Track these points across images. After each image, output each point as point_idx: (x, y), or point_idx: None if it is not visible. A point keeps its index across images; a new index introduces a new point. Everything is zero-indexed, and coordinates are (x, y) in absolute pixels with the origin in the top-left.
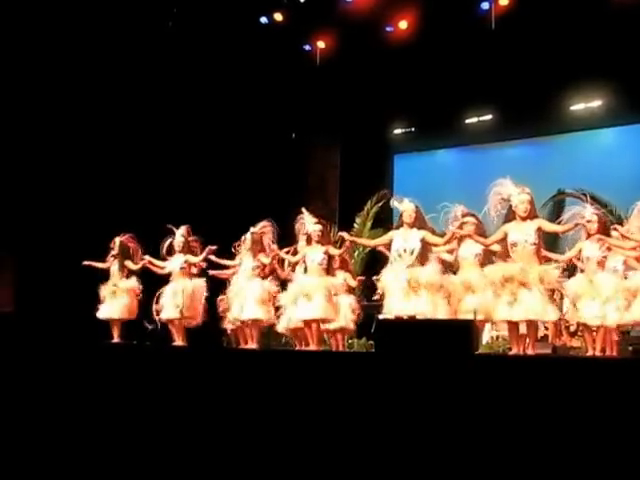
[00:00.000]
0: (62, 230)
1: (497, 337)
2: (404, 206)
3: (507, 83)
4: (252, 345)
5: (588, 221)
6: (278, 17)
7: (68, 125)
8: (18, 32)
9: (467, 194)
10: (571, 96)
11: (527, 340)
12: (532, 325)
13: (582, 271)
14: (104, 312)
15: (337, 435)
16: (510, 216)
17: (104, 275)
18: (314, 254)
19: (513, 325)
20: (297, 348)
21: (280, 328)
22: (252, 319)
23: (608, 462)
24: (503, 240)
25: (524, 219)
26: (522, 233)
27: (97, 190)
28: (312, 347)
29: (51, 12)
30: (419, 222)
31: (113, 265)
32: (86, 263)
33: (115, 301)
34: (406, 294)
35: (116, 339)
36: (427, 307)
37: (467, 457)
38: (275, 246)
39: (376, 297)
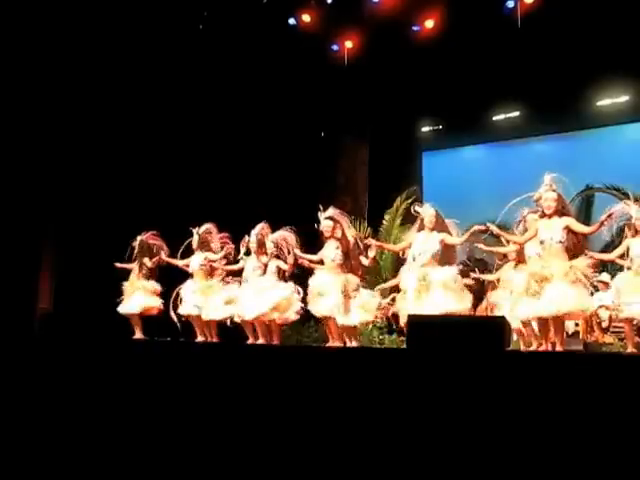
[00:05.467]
0: (97, 230)
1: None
2: (424, 211)
3: (534, 80)
4: (261, 341)
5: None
6: (306, 18)
7: (102, 131)
8: (58, 32)
9: (495, 190)
10: (597, 92)
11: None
12: (557, 320)
13: (628, 269)
14: (123, 308)
15: (367, 432)
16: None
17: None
18: (328, 251)
19: (543, 321)
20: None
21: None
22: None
23: None
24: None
25: (550, 216)
26: (549, 231)
27: (129, 189)
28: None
29: (86, 13)
30: (439, 225)
31: (135, 264)
32: (118, 265)
33: (134, 298)
34: (417, 295)
35: (138, 335)
36: (442, 306)
37: (498, 453)
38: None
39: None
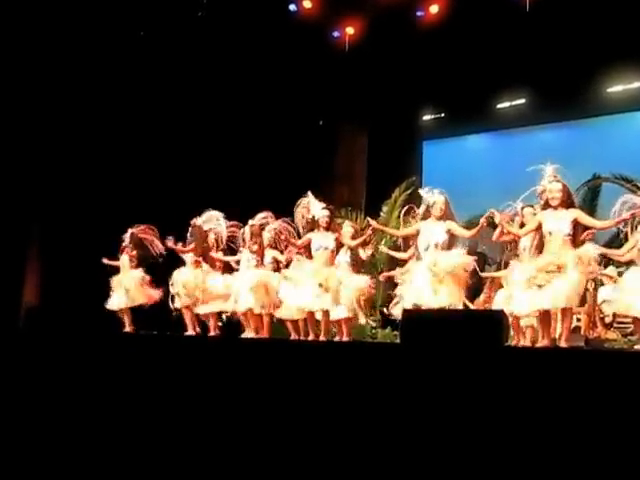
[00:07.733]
0: (84, 224)
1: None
2: (435, 198)
3: (541, 66)
4: (250, 334)
5: None
6: (307, 4)
7: (88, 122)
8: (56, 26)
9: (498, 180)
10: (608, 78)
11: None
12: (565, 313)
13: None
14: (112, 303)
15: (358, 428)
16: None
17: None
18: (321, 240)
19: (546, 315)
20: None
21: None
22: (247, 309)
23: None
24: (538, 230)
25: (556, 208)
26: (557, 222)
27: (117, 182)
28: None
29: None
30: (447, 214)
31: (123, 256)
32: (106, 261)
33: (122, 291)
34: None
35: (127, 328)
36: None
37: (496, 451)
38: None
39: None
